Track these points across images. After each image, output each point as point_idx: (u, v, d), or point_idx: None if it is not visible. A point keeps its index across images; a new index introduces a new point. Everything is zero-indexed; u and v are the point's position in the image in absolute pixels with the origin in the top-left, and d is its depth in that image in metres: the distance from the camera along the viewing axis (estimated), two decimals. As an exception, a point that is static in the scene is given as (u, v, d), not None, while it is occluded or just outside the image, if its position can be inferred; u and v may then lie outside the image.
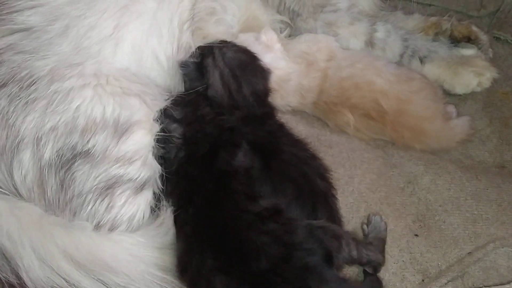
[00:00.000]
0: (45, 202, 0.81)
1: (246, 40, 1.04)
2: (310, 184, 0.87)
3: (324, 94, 1.07)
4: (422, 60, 1.16)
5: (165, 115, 0.87)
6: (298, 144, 0.95)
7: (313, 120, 1.11)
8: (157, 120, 0.85)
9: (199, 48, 0.97)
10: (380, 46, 1.16)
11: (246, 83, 0.96)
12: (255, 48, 1.04)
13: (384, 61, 1.10)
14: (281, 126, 0.98)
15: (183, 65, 0.95)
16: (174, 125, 0.85)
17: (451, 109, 1.08)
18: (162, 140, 0.85)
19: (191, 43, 0.99)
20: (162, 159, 0.85)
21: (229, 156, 0.81)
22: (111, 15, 0.93)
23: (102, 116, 0.82)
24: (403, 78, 1.06)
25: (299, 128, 1.07)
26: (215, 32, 1.05)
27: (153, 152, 0.85)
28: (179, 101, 0.90)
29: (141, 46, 0.95)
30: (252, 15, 1.12)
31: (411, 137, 1.02)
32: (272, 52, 1.05)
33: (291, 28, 1.16)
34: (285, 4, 1.15)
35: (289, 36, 1.15)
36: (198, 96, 0.92)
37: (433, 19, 1.26)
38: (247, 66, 0.97)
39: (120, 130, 0.81)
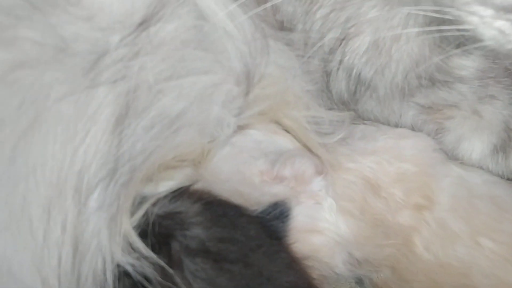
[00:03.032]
0: None
1: (242, 180, 0.48)
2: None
3: (396, 276, 0.53)
4: None
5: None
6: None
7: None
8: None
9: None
10: (520, 153, 0.57)
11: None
12: (266, 191, 0.48)
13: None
14: None
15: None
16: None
17: None
18: None
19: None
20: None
21: None
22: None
23: None
24: None
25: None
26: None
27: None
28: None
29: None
30: (282, 90, 0.52)
31: None
32: (305, 198, 0.49)
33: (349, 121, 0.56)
34: (340, 63, 0.53)
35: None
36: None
37: None
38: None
39: None
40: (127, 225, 0.42)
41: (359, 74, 0.54)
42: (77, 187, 0.40)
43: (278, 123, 0.53)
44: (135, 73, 0.41)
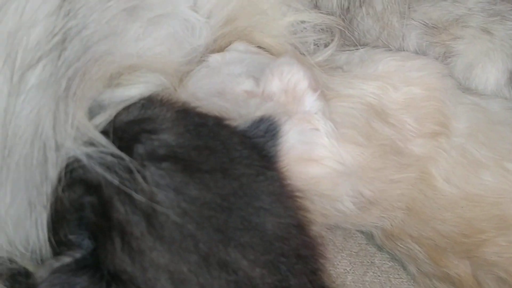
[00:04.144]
0: None
1: (222, 96, 0.39)
2: None
3: (414, 219, 0.45)
4: None
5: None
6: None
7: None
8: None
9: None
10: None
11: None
12: (252, 107, 0.39)
13: None
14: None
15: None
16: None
17: None
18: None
19: None
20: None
21: None
22: None
23: None
24: None
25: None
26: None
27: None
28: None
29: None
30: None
31: None
32: (299, 120, 0.41)
33: (341, 37, 0.48)
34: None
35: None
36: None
37: None
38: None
39: None
40: (81, 117, 0.33)
41: None
42: (10, 53, 0.32)
43: (259, 46, 0.45)
44: None
